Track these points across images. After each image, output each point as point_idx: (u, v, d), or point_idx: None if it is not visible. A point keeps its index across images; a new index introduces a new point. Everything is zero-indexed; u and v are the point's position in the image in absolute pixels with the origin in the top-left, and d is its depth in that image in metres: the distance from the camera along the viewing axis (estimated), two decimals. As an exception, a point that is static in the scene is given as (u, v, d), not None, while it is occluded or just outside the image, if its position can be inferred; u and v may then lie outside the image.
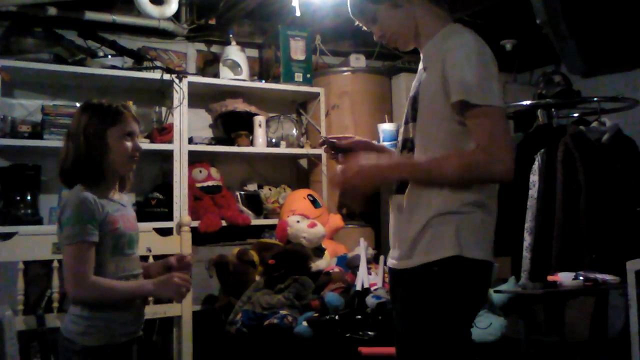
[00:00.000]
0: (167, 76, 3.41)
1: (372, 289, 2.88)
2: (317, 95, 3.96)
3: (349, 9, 1.80)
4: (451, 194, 1.58)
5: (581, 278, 2.73)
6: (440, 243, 1.57)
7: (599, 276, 2.72)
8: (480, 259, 1.58)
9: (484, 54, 1.56)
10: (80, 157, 1.89)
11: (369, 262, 3.19)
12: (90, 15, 3.38)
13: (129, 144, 1.96)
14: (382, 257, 3.21)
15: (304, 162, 4.19)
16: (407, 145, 1.69)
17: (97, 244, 1.85)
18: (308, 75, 3.89)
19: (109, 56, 3.42)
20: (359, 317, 2.63)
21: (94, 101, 1.98)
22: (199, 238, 3.42)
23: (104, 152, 1.91)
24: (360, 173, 1.61)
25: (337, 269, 3.17)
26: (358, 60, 4.05)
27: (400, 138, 1.76)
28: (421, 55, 1.76)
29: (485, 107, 1.51)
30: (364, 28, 1.82)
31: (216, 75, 3.74)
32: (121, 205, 1.99)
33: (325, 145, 1.87)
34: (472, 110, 1.52)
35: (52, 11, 3.25)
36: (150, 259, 3.13)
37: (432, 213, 1.58)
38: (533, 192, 3.08)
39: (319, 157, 3.93)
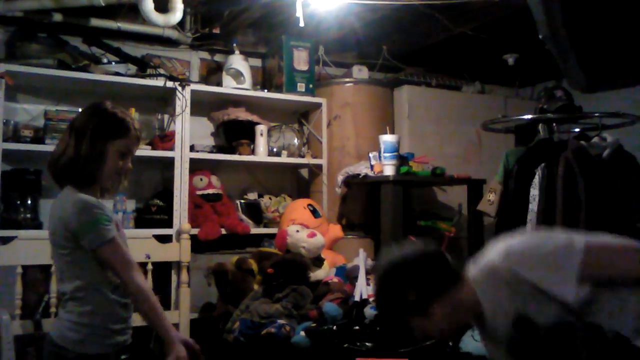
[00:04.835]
0: (170, 84, 3.42)
1: (370, 299, 2.88)
2: (319, 105, 3.98)
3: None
4: None
5: (580, 293, 2.72)
6: None
7: (598, 291, 2.71)
8: None
9: None
10: (80, 158, 1.87)
11: (367, 272, 3.18)
12: (95, 22, 3.40)
13: (120, 162, 1.93)
14: (381, 269, 3.20)
15: (304, 172, 4.20)
16: None
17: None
18: (310, 86, 3.90)
19: (113, 63, 3.44)
20: (357, 327, 2.62)
21: (107, 106, 1.94)
22: (199, 246, 3.42)
23: (100, 160, 1.89)
24: None
25: (335, 279, 3.17)
26: (360, 72, 4.07)
27: None
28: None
29: None
30: None
31: (219, 83, 3.76)
32: None
33: None
34: None
35: (58, 17, 3.28)
36: (149, 266, 3.13)
37: None
38: (533, 206, 3.08)
39: (319, 167, 3.93)
